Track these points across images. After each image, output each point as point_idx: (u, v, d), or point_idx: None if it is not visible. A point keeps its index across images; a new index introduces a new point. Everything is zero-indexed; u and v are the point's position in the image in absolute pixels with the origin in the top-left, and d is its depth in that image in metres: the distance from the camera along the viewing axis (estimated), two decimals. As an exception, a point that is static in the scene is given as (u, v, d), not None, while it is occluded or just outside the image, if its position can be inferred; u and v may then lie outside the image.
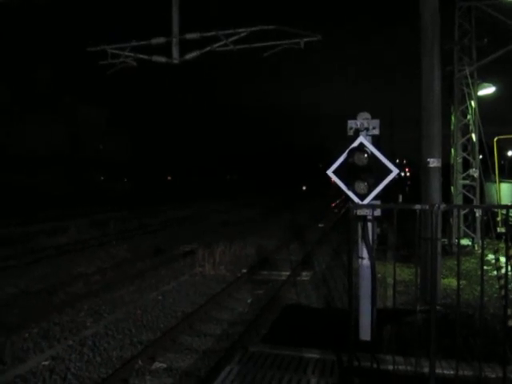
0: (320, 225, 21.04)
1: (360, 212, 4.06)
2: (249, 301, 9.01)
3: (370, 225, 4.30)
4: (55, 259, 12.83)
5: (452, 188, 13.50)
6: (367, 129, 4.27)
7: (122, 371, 5.66)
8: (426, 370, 3.30)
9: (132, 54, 10.28)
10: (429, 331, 5.47)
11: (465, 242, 13.10)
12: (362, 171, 4.07)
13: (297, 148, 72.96)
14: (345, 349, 3.48)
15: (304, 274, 10.78)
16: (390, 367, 3.42)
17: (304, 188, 58.03)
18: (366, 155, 3.96)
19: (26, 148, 32.54)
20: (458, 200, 13.63)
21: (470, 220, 13.55)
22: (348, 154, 4.10)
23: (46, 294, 9.07)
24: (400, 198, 22.15)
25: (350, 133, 4.33)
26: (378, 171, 4.30)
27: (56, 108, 36.48)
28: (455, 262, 11.17)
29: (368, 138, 4.32)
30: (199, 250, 11.89)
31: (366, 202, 4.15)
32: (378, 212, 4.25)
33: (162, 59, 10.16)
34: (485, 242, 13.87)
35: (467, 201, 13.68)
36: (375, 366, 3.42)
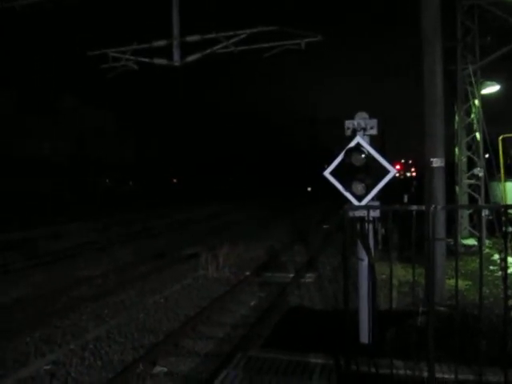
0: (325, 226, 20.94)
1: (357, 213, 4.00)
2: (252, 303, 8.96)
3: (368, 226, 4.24)
4: (58, 263, 12.86)
5: (457, 187, 13.38)
6: (364, 129, 4.22)
7: (123, 375, 5.64)
8: (426, 373, 3.23)
9: (133, 57, 10.30)
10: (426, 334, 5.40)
11: (470, 241, 12.96)
12: (360, 172, 4.01)
13: (302, 148, 72.73)
14: (343, 353, 3.43)
15: (308, 275, 10.71)
16: (389, 371, 3.36)
17: (309, 189, 57.78)
18: (363, 155, 3.91)
19: (29, 151, 32.69)
20: (464, 199, 13.50)
21: (475, 220, 13.41)
22: (345, 154, 4.05)
23: (48, 298, 9.06)
24: (405, 199, 22.02)
25: (348, 133, 4.28)
26: (377, 171, 4.24)
27: (60, 110, 36.66)
28: (461, 263, 11.10)
29: (366, 137, 4.27)
30: (203, 253, 11.86)
31: (363, 203, 4.10)
32: (376, 213, 4.19)
33: (164, 62, 10.17)
34: (491, 242, 13.79)
35: (472, 200, 13.55)
36: (373, 370, 3.37)
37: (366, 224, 4.15)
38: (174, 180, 55.92)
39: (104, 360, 6.18)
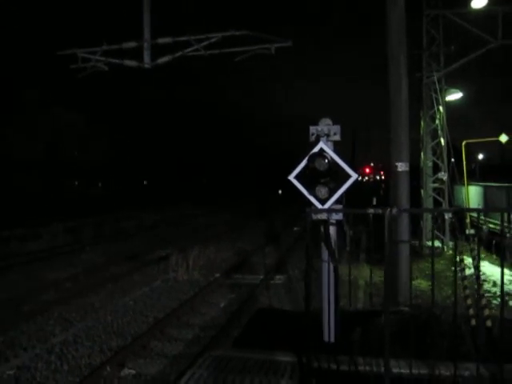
0: (295, 228, 21.17)
1: (321, 216, 4.14)
2: (221, 305, 9.03)
3: (331, 228, 4.39)
4: (27, 266, 12.59)
5: (422, 191, 13.79)
6: (328, 135, 4.36)
7: (90, 379, 5.61)
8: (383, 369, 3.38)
9: (103, 58, 10.23)
10: (393, 332, 5.58)
11: (435, 243, 13.39)
12: (323, 176, 4.15)
13: (271, 152, 72.95)
14: (305, 351, 3.55)
15: (277, 277, 10.85)
16: (350, 368, 3.50)
17: (280, 192, 58.04)
18: (326, 160, 4.05)
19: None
20: (429, 203, 13.94)
21: (439, 222, 13.86)
22: (308, 159, 4.19)
23: (16, 302, 8.89)
24: (374, 201, 22.49)
25: (312, 138, 4.42)
26: (341, 176, 4.39)
27: (30, 111, 35.81)
28: (426, 264, 11.46)
29: (329, 143, 4.42)
30: (173, 255, 11.85)
31: (326, 206, 4.24)
32: (339, 216, 4.35)
33: (134, 63, 10.16)
34: (454, 244, 14.20)
35: (437, 203, 14.00)
36: (334, 366, 3.50)
37: (329, 226, 4.29)
38: (145, 182, 55.33)
39: (71, 364, 6.13)
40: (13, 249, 15.21)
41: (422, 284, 10.13)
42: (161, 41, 9.94)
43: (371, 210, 3.16)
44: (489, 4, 12.10)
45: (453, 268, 11.24)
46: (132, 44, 9.98)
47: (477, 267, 7.35)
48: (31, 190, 32.96)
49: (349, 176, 4.21)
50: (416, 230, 13.25)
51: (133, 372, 5.98)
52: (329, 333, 4.37)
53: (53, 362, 6.16)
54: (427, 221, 13.48)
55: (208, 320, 8.08)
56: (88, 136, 43.32)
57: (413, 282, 9.58)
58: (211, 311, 8.59)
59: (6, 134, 32.86)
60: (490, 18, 12.43)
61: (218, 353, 4.08)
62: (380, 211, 3.06)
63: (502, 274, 3.46)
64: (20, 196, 30.56)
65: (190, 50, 9.83)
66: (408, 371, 3.40)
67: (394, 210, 3.04)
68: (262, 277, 10.75)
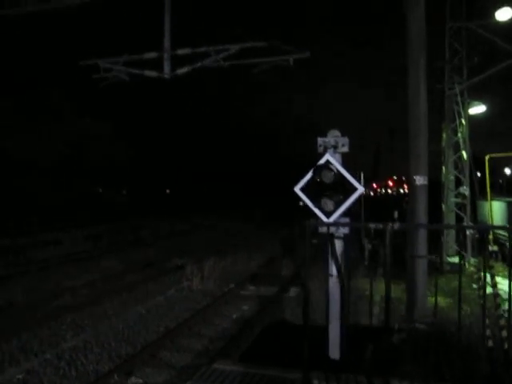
0: (314, 240, 20.94)
1: (324, 229, 4.06)
2: (234, 316, 8.96)
3: (339, 242, 4.30)
4: (45, 271, 12.79)
5: (443, 206, 13.49)
6: (335, 146, 4.29)
7: (97, 386, 5.63)
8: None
9: (124, 68, 10.39)
10: (404, 350, 5.42)
11: (456, 259, 13.04)
12: (329, 189, 4.08)
13: (297, 162, 72.63)
14: (311, 367, 3.46)
15: (292, 290, 10.71)
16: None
17: (301, 204, 57.55)
18: (332, 173, 3.98)
19: (24, 156, 32.48)
20: (450, 218, 13.60)
21: (461, 238, 13.50)
22: (314, 171, 4.13)
23: (31, 307, 9.04)
24: (396, 215, 22.09)
25: (320, 150, 4.36)
26: (349, 188, 4.31)
27: (56, 118, 36.66)
28: (444, 280, 11.15)
29: (337, 155, 4.35)
30: (188, 264, 11.87)
31: (332, 219, 4.16)
32: (345, 229, 4.26)
33: (154, 74, 10.27)
34: (476, 260, 13.80)
35: (459, 219, 13.65)
36: (334, 385, 3.40)
37: (336, 240, 4.21)
38: (167, 191, 55.92)
39: (79, 370, 6.16)
40: (33, 254, 15.48)
41: (440, 301, 9.84)
42: (180, 52, 10.03)
43: (372, 225, 3.08)
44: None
45: (474, 285, 10.93)
46: (152, 54, 10.10)
47: (495, 285, 7.09)
48: (54, 196, 33.61)
49: (355, 189, 4.14)
50: (437, 246, 12.93)
51: (140, 381, 5.97)
52: (333, 349, 4.27)
53: (61, 367, 6.21)
54: (448, 236, 13.16)
55: (219, 331, 8.02)
56: (114, 143, 43.99)
57: (430, 299, 9.32)
58: (223, 322, 8.53)
59: (30, 139, 33.64)
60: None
61: (218, 365, 4.03)
62: (381, 226, 2.99)
63: (510, 291, 3.31)
64: (43, 201, 31.19)
65: (208, 60, 9.90)
66: (411, 393, 3.27)
67: (396, 226, 2.95)
68: (276, 289, 10.65)
